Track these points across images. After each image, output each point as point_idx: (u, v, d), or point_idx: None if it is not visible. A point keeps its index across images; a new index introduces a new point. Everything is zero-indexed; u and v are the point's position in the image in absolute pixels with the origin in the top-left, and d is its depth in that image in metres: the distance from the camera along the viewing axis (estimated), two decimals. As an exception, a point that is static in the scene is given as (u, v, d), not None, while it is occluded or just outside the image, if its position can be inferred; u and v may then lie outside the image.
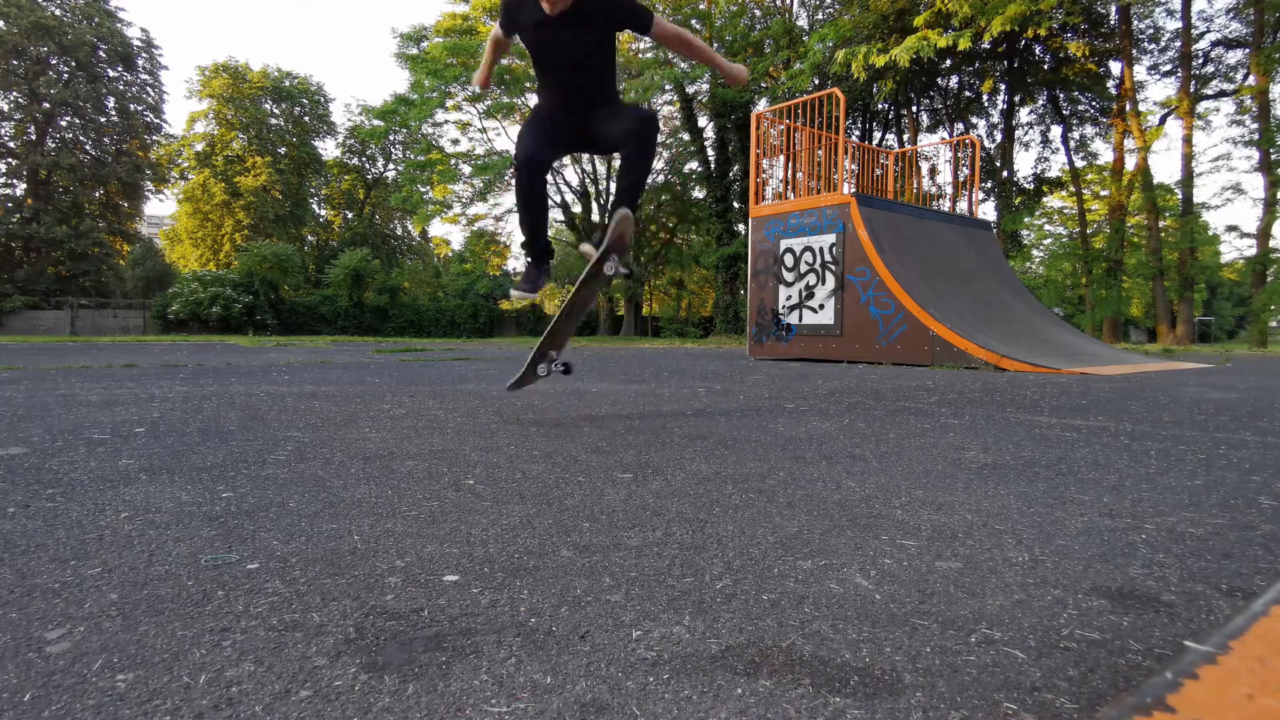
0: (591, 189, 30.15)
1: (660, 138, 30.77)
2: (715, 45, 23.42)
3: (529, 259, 2.87)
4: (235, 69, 36.02)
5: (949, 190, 12.07)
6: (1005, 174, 23.89)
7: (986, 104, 24.94)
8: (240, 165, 36.13)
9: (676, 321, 31.36)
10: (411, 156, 31.70)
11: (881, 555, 1.09)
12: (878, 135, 26.13)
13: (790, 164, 10.13)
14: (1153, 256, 20.99)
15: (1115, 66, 21.88)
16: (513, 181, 2.71)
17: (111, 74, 30.28)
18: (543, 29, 2.45)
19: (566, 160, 30.14)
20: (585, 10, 2.40)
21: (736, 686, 0.68)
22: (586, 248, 2.77)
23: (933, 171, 15.92)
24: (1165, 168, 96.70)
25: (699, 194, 28.35)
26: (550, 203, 30.33)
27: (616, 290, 29.95)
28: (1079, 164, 25.71)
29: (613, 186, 31.75)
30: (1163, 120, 22.71)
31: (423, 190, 29.13)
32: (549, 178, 3.00)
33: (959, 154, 11.14)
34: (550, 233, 2.94)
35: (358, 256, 26.87)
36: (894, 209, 8.29)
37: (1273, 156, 17.64)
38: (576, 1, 2.38)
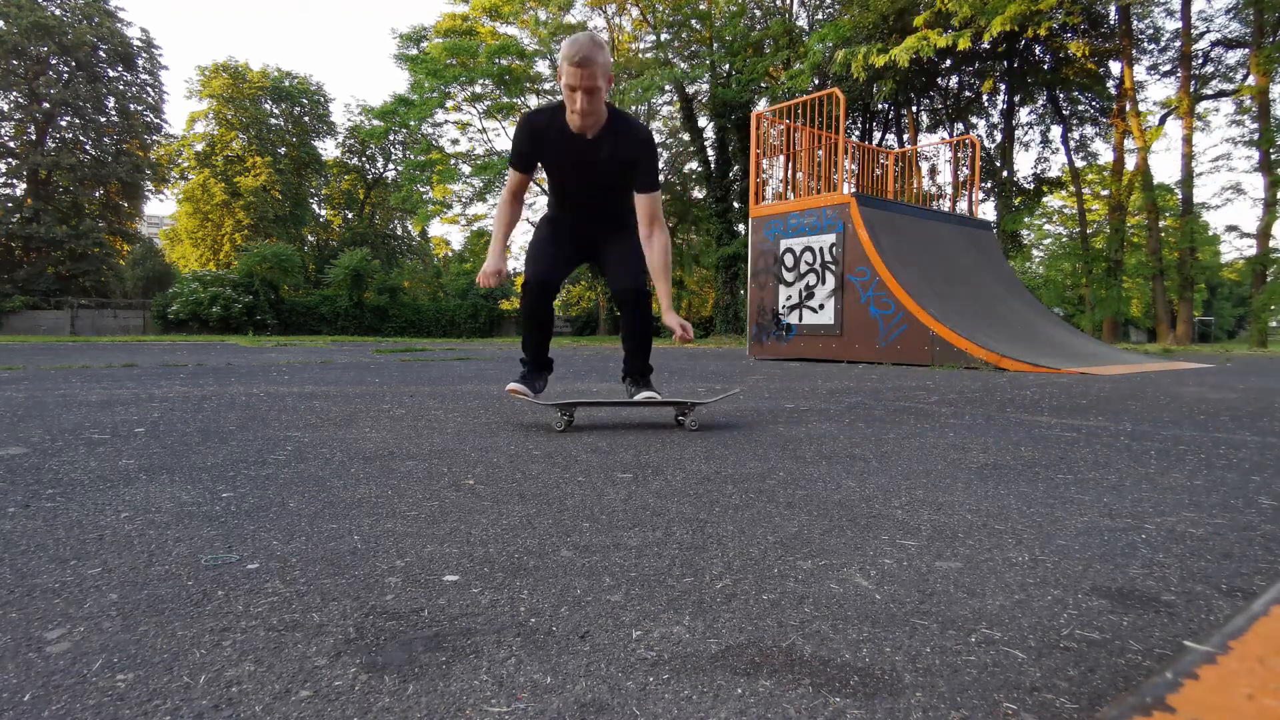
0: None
1: (660, 138, 30.85)
2: (715, 45, 23.43)
3: (525, 367, 2.74)
4: (235, 69, 36.01)
5: (949, 190, 12.07)
6: (1005, 174, 23.88)
7: (986, 104, 24.93)
8: (240, 165, 36.12)
9: (677, 321, 31.27)
10: (411, 156, 31.71)
11: (881, 555, 1.09)
12: (878, 135, 26.12)
13: (790, 164, 10.13)
14: (1153, 256, 21.00)
15: (1115, 66, 21.88)
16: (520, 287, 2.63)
17: (111, 74, 30.27)
18: (565, 150, 2.41)
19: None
20: (610, 145, 2.39)
21: (736, 686, 0.68)
22: (645, 396, 2.64)
23: (933, 171, 15.93)
24: (1165, 168, 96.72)
25: (699, 194, 28.34)
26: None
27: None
28: (1079, 164, 25.73)
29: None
30: (1163, 120, 22.73)
31: (423, 190, 29.13)
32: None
33: (959, 154, 11.14)
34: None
35: (358, 256, 26.87)
36: (894, 209, 8.29)
37: (1273, 156, 17.64)
38: (602, 130, 2.37)
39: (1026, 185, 25.69)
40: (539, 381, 2.73)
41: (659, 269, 2.52)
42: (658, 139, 30.43)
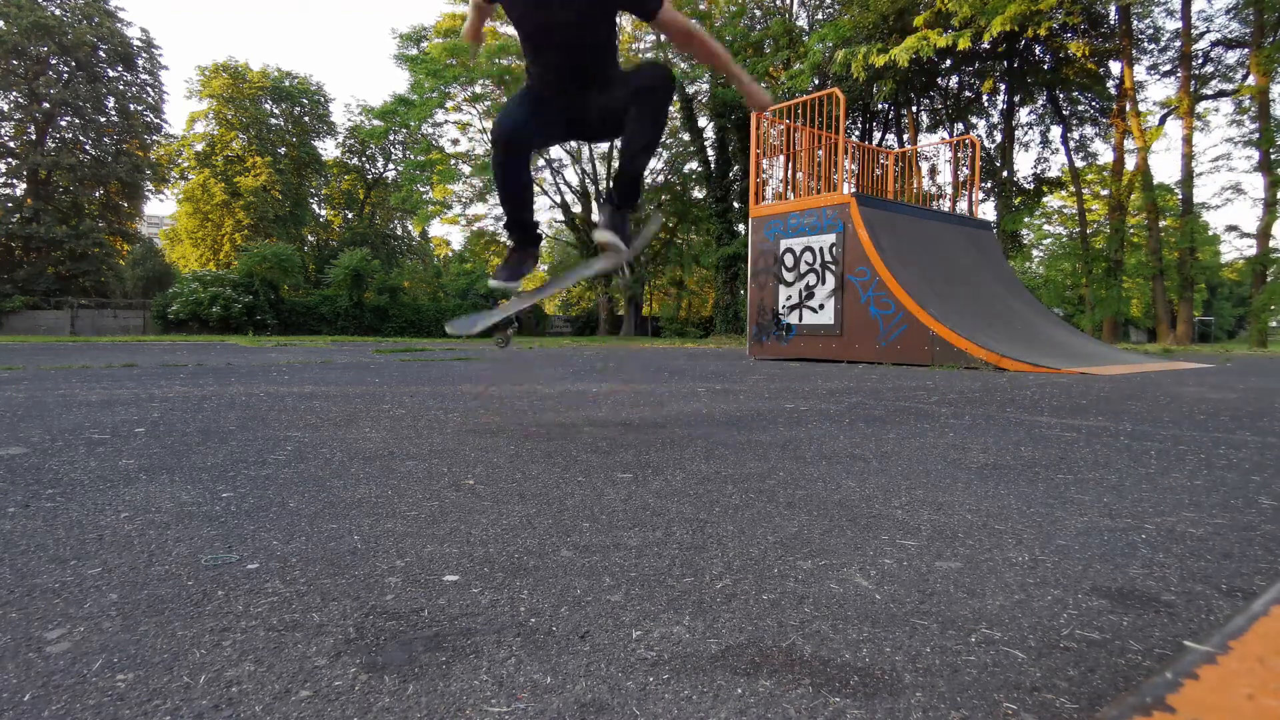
0: (591, 189, 30.15)
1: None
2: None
3: (511, 241, 2.38)
4: (235, 69, 35.99)
5: (949, 190, 12.07)
6: (1005, 174, 23.89)
7: (986, 104, 24.94)
8: (240, 165, 36.10)
9: (676, 321, 31.32)
10: (411, 156, 31.74)
11: (881, 555, 1.09)
12: (878, 135, 26.13)
13: (790, 164, 10.14)
14: (1153, 256, 21.00)
15: (1115, 66, 21.88)
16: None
17: (111, 74, 30.26)
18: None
19: (566, 159, 30.14)
20: None
21: (736, 686, 0.68)
22: (605, 237, 2.29)
23: (933, 171, 15.91)
24: (1165, 168, 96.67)
25: (699, 194, 28.36)
26: (538, 188, 30.19)
27: (616, 290, 29.97)
28: (1079, 164, 25.72)
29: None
30: (1163, 120, 22.72)
31: (423, 190, 29.16)
32: (540, 162, 2.38)
33: (959, 154, 11.14)
34: (547, 230, 2.43)
35: (358, 256, 26.85)
36: (894, 209, 8.29)
37: (1273, 156, 17.65)
38: None
39: (1026, 185, 25.70)
40: (528, 261, 2.35)
41: (718, 53, 2.18)
42: (657, 139, 30.44)
